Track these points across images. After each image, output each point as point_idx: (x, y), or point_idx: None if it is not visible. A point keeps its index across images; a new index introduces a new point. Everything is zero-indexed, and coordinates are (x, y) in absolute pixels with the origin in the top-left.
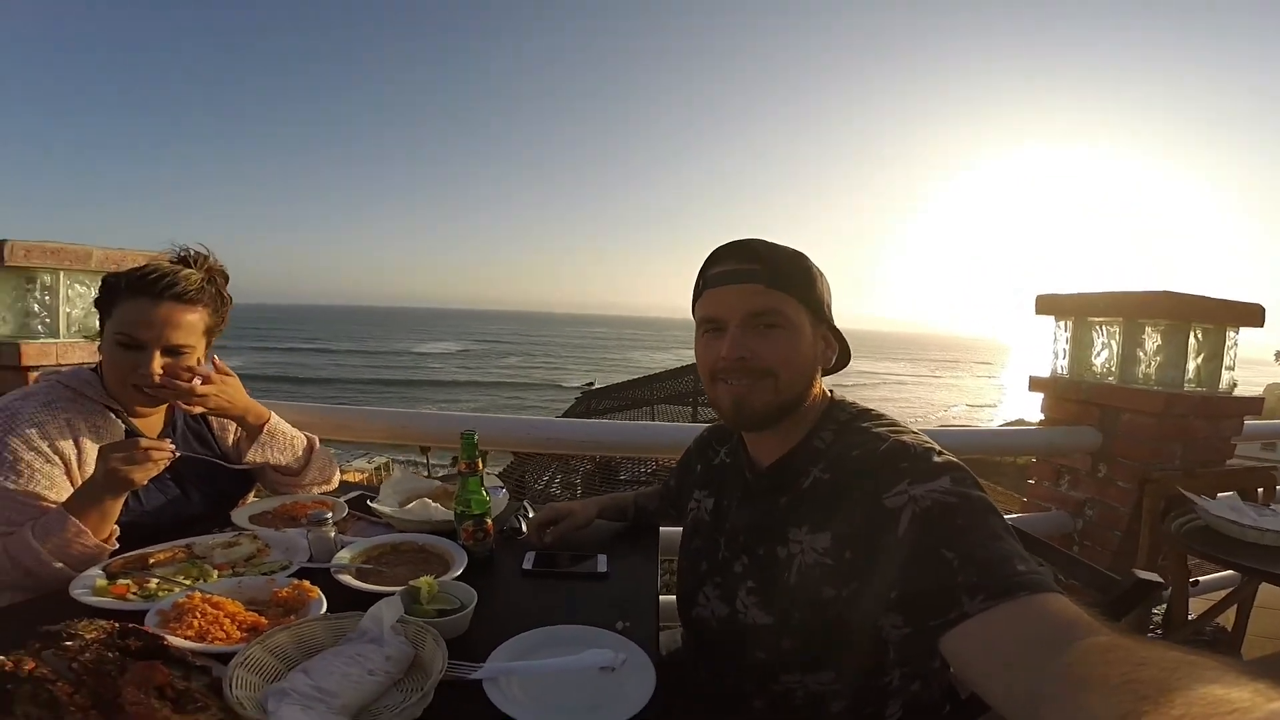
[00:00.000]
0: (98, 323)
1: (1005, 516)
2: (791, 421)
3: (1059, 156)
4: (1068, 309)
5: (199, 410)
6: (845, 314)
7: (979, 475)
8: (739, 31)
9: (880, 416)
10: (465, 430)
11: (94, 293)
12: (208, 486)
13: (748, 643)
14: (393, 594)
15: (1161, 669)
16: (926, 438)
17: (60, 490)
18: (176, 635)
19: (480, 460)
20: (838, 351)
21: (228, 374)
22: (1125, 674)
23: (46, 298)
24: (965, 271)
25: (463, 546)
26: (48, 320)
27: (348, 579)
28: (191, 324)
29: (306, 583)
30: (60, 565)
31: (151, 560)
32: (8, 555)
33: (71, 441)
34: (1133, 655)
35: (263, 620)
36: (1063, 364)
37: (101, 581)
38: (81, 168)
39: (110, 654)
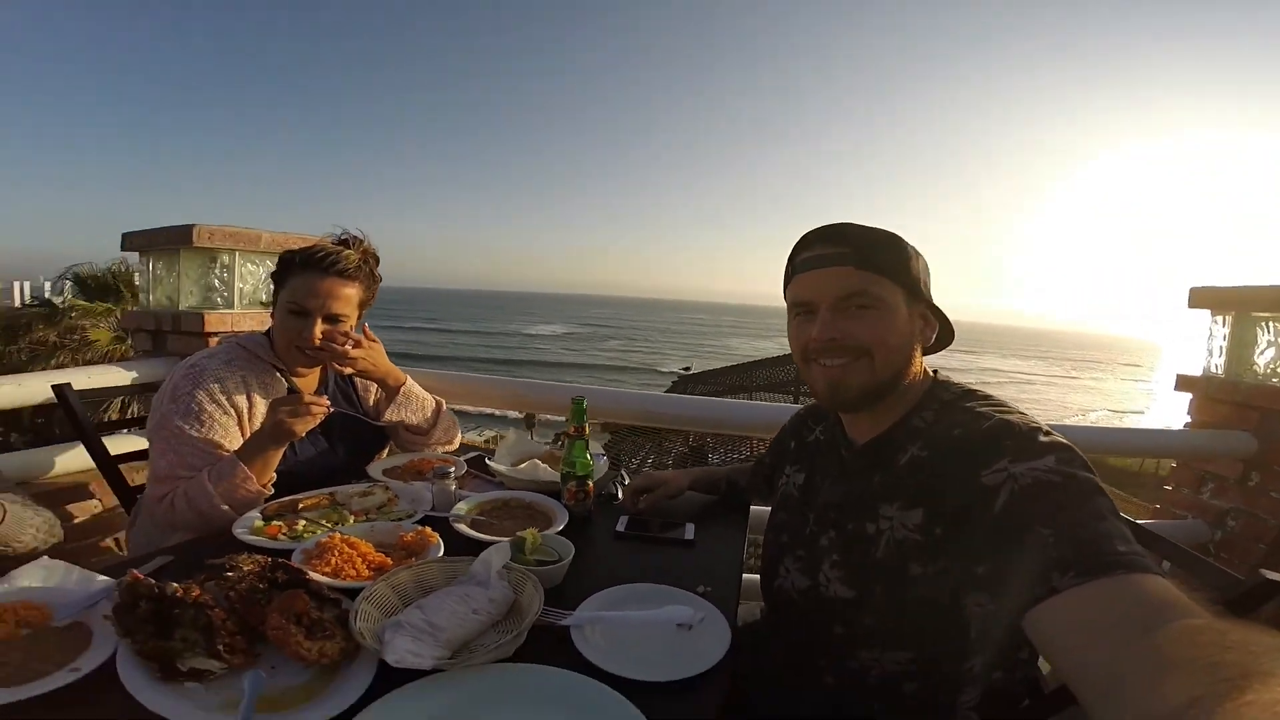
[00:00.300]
0: (271, 293)
1: (1137, 523)
2: (890, 401)
3: (1225, 140)
4: (1228, 303)
5: (349, 371)
6: (970, 306)
7: (1116, 486)
8: (868, 4)
9: (987, 397)
10: (576, 396)
11: (263, 270)
12: (350, 442)
13: (827, 616)
14: (501, 543)
15: (1249, 653)
16: (1035, 419)
17: (233, 440)
18: (316, 571)
19: (587, 426)
20: (938, 329)
21: (374, 341)
22: (1211, 657)
23: (225, 274)
24: (1113, 265)
25: (564, 506)
26: (225, 294)
27: (463, 528)
28: (349, 297)
29: (428, 529)
30: (226, 508)
31: (300, 505)
32: (186, 498)
33: (245, 396)
34: (1223, 638)
35: (388, 561)
36: (1218, 362)
37: (258, 523)
38: (239, 153)
39: (261, 585)
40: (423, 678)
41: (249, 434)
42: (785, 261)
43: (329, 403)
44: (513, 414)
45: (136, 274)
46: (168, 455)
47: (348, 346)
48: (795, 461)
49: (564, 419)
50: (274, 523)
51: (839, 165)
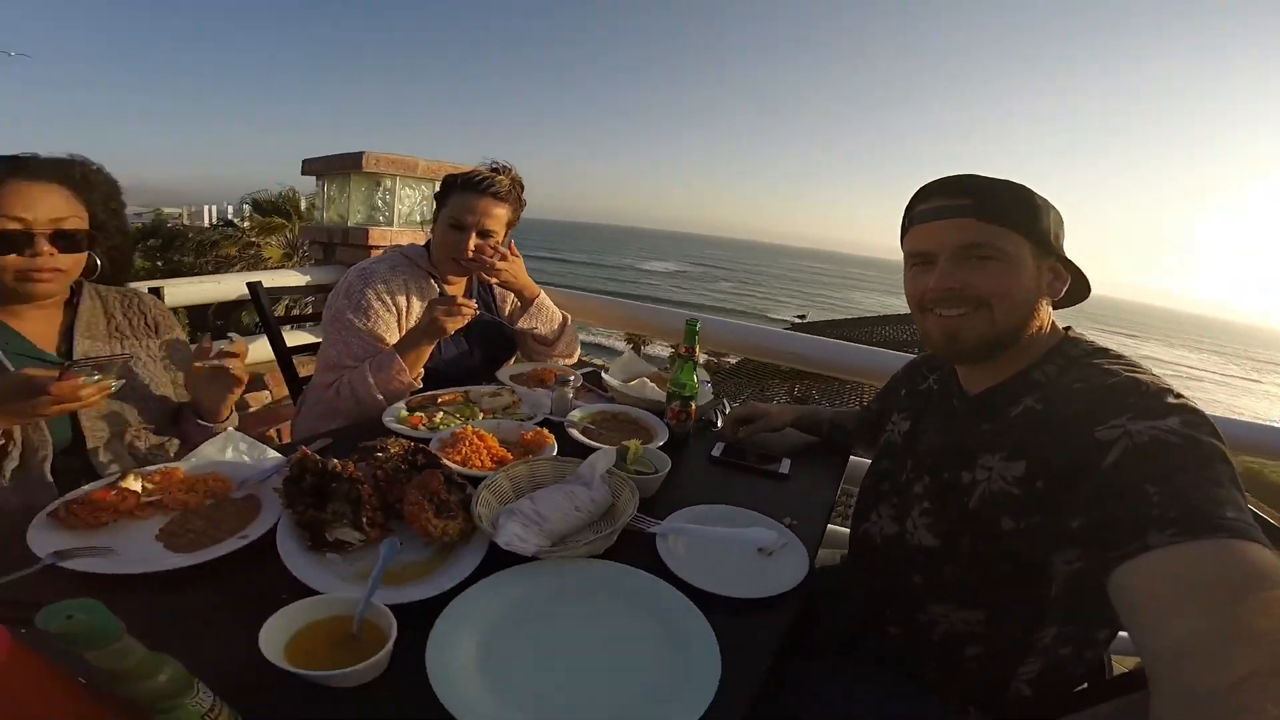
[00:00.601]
0: (425, 214)
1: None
2: (1012, 353)
3: None
4: None
5: (494, 280)
6: (1133, 286)
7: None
8: None
9: (1119, 356)
10: (690, 319)
11: (418, 194)
12: (484, 348)
13: (908, 564)
14: (606, 449)
15: None
16: (1168, 382)
17: (392, 335)
18: (448, 459)
19: (697, 348)
20: (1069, 283)
21: (516, 256)
22: None
23: (387, 196)
24: None
25: (666, 424)
26: (386, 213)
27: (575, 433)
28: (499, 216)
29: (545, 430)
30: (381, 397)
31: (439, 400)
32: (350, 386)
33: (405, 297)
34: None
35: (509, 455)
36: None
37: (403, 413)
38: (394, 81)
39: (403, 466)
40: (523, 563)
41: (405, 331)
42: (903, 214)
43: (476, 305)
44: (620, 345)
45: (303, 199)
46: (338, 345)
47: (496, 259)
48: (904, 409)
49: (669, 350)
50: (416, 414)
51: (1002, 127)
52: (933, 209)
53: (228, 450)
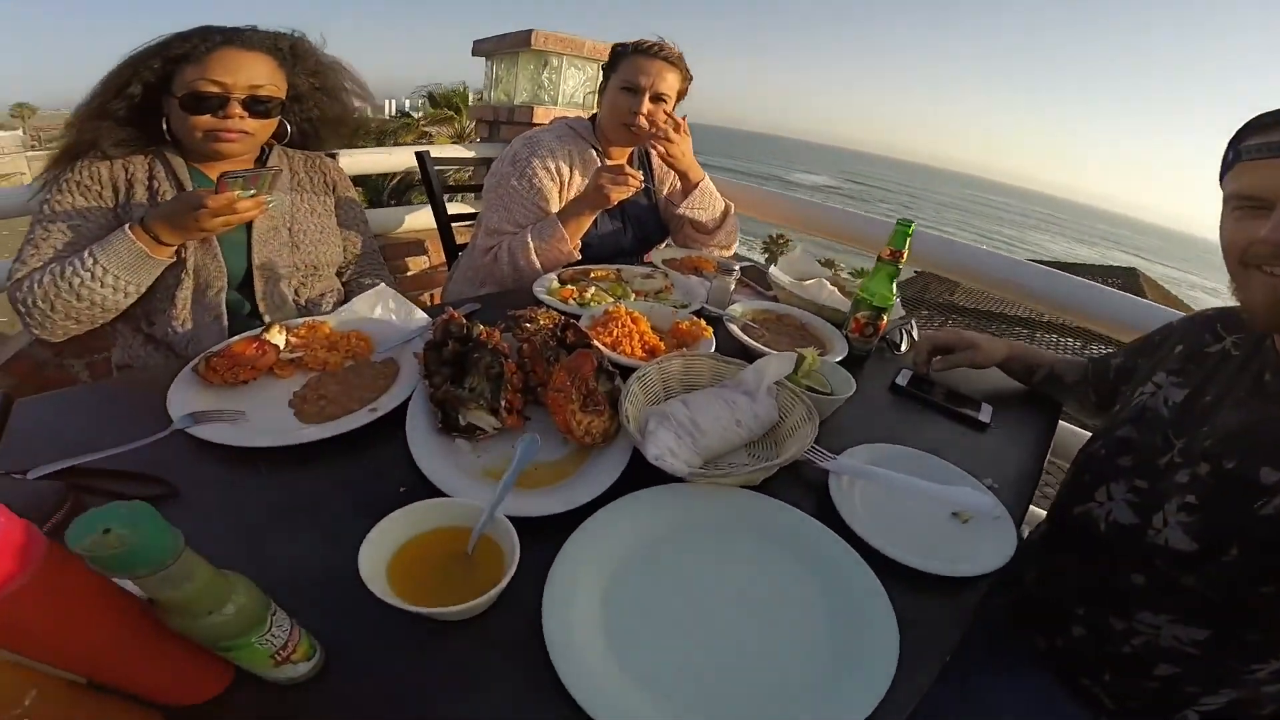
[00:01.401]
0: (597, 88)
1: None
2: None
3: None
4: None
5: (664, 151)
6: None
7: None
8: None
9: None
10: (903, 219)
11: (583, 75)
12: (638, 229)
13: (1136, 562)
14: (780, 355)
15: None
16: None
17: (554, 205)
18: (598, 339)
19: (906, 253)
20: None
21: (686, 134)
22: None
23: (553, 75)
24: None
25: (845, 337)
26: (551, 92)
27: (735, 330)
28: (671, 82)
29: (703, 321)
30: (540, 265)
31: (592, 275)
32: (509, 251)
33: (569, 168)
34: None
35: (660, 345)
36: None
37: (555, 285)
38: None
39: (551, 342)
40: (665, 484)
41: (565, 203)
42: (1226, 147)
43: (642, 176)
44: (754, 259)
45: (470, 94)
46: (500, 210)
47: (669, 126)
48: (1178, 372)
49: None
50: (568, 286)
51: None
52: (1274, 144)
53: (377, 308)
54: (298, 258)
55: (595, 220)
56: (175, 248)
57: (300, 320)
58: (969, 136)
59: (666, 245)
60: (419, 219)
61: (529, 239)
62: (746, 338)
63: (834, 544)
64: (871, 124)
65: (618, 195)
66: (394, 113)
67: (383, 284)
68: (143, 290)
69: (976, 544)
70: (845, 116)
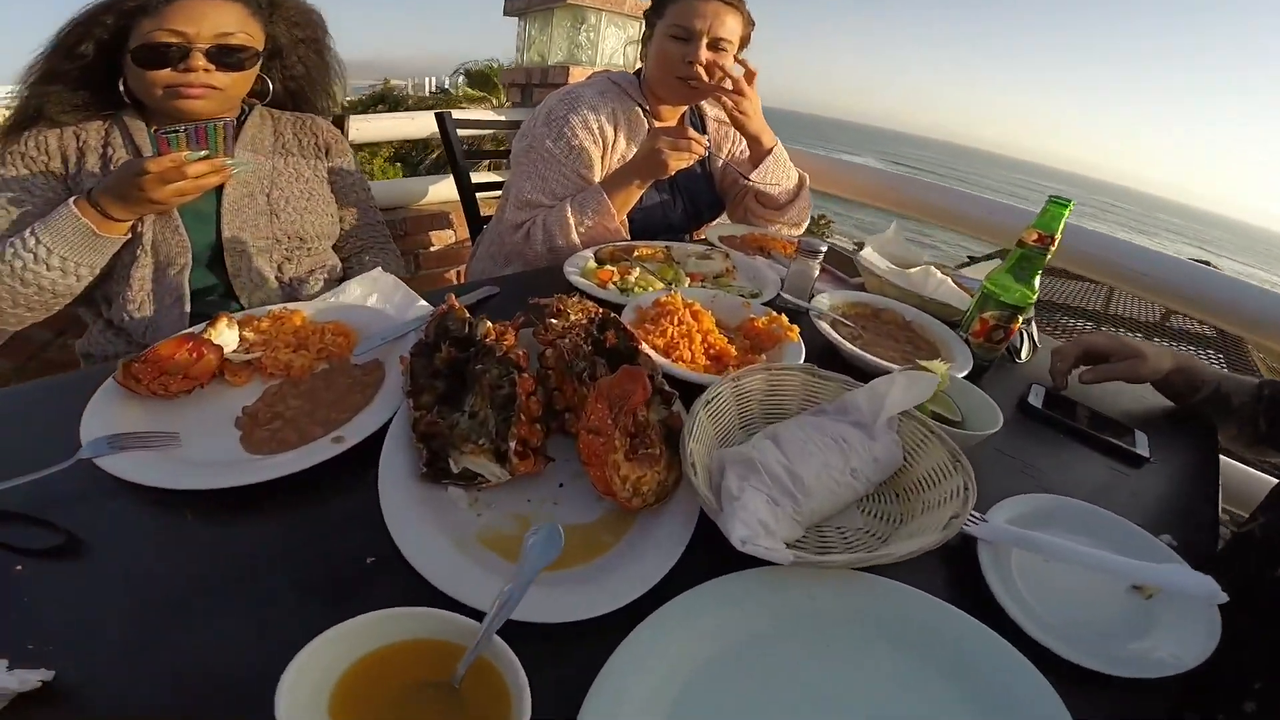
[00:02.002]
0: (640, 39)
1: None
2: None
3: None
4: None
5: (731, 107)
6: None
7: None
8: None
9: None
10: (1058, 197)
11: (624, 34)
12: (689, 201)
13: None
14: (908, 373)
15: None
16: None
17: (596, 171)
18: (648, 340)
19: (1059, 238)
20: None
21: (754, 93)
22: None
23: (590, 34)
24: None
25: (965, 341)
26: (589, 51)
27: (826, 329)
28: (733, 26)
29: (785, 318)
30: (580, 246)
31: (636, 253)
32: (544, 227)
33: (612, 127)
34: None
35: (729, 350)
36: None
37: (590, 264)
38: None
39: (585, 346)
40: (751, 566)
41: (607, 170)
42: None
43: (707, 143)
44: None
45: (501, 73)
46: (533, 179)
47: (728, 82)
48: None
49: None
50: (607, 267)
51: None
52: None
53: (372, 295)
54: (277, 227)
55: None
56: (129, 223)
57: (265, 309)
58: (1024, 121)
59: (719, 222)
60: (444, 189)
61: (569, 213)
62: (841, 339)
63: (1001, 654)
64: (915, 104)
65: (677, 163)
66: (433, 89)
67: (378, 268)
68: (97, 271)
69: (1166, 627)
70: (884, 95)
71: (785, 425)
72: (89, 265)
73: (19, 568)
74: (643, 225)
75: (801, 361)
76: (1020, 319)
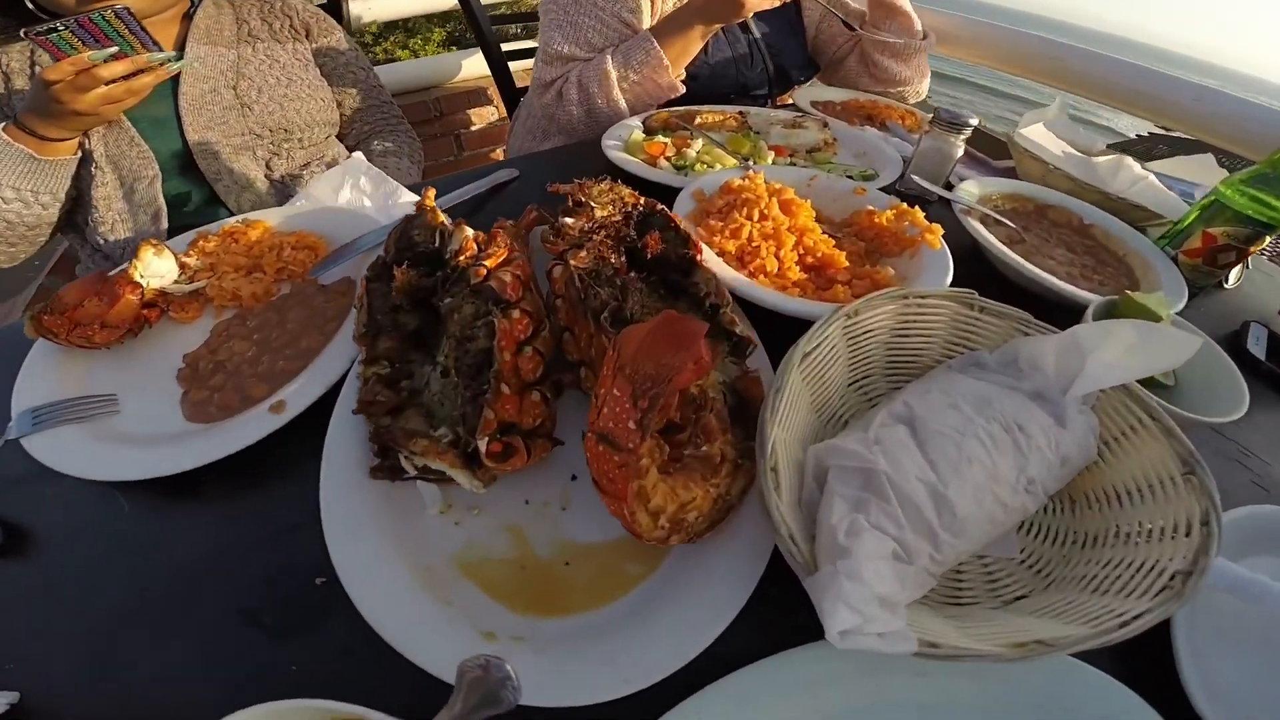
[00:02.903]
0: None
1: None
2: None
3: None
4: None
5: None
6: None
7: None
8: None
9: None
10: None
11: None
12: (774, 56)
13: None
14: (1130, 325)
15: None
16: None
17: (644, 15)
18: (713, 244)
19: None
20: None
21: None
22: None
23: None
24: None
25: (1175, 262)
26: None
27: (977, 227)
28: None
29: (918, 212)
30: (623, 105)
31: (698, 120)
32: (579, 85)
33: None
34: None
35: (837, 257)
36: None
37: (638, 135)
38: None
39: (613, 259)
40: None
41: (661, 11)
42: None
43: None
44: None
45: None
46: (563, 27)
47: None
48: None
49: None
50: (659, 139)
51: None
52: None
53: (343, 189)
54: (253, 120)
55: (709, 43)
56: (73, 141)
57: (217, 225)
58: None
59: (811, 84)
60: (478, 63)
61: (609, 65)
62: (997, 243)
63: None
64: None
65: (756, 2)
66: None
67: (357, 155)
68: (61, 197)
69: None
70: None
71: (925, 394)
72: (48, 191)
73: None
74: (709, 87)
75: (949, 276)
76: (1267, 240)
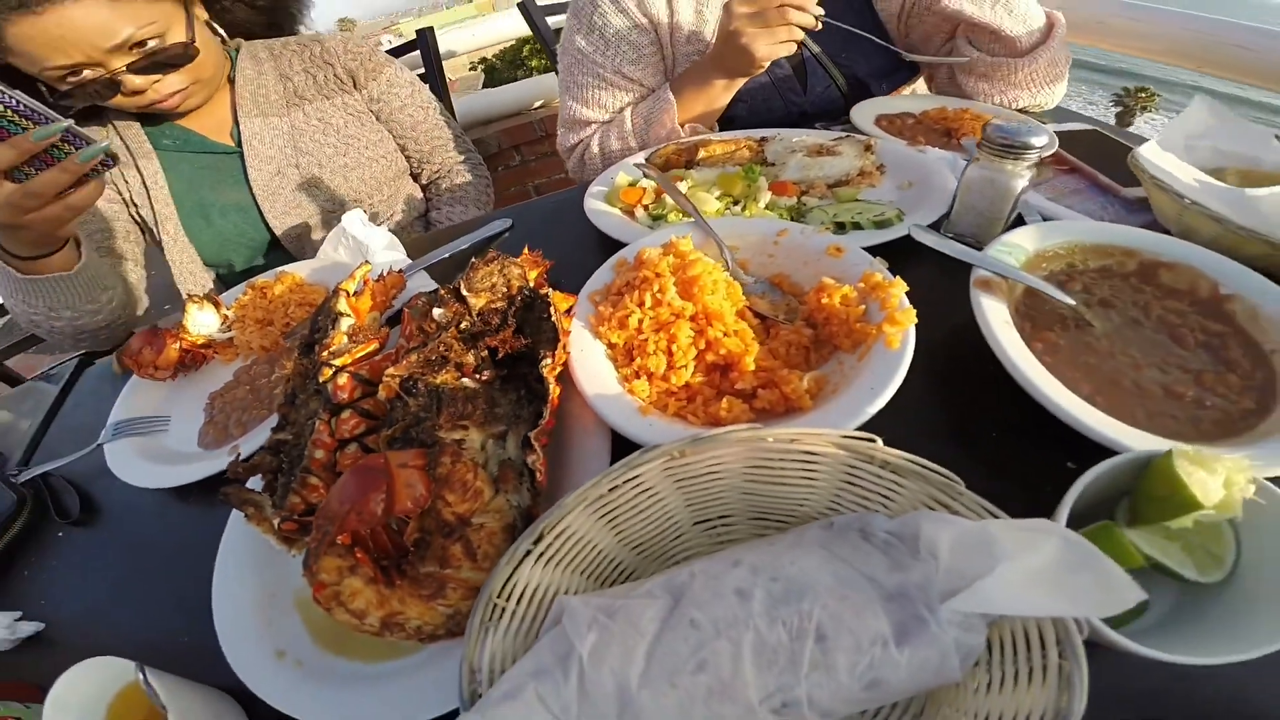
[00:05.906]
0: None
1: None
2: None
3: None
4: None
5: None
6: None
7: None
8: None
9: None
10: None
11: None
12: (838, 71)
13: None
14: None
15: None
16: None
17: (647, 66)
18: (601, 335)
19: None
20: None
21: None
22: None
23: None
24: None
25: None
26: None
27: (988, 306)
28: None
29: (893, 286)
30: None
31: (703, 153)
32: (600, 149)
33: (664, 1)
34: None
35: (744, 358)
36: None
37: (622, 178)
38: None
39: (469, 355)
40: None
41: (671, 57)
42: None
43: (819, 11)
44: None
45: None
46: (570, 90)
47: None
48: None
49: None
50: (641, 183)
51: None
52: None
53: (340, 247)
54: (323, 200)
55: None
56: (53, 255)
57: (265, 276)
58: None
59: (911, 93)
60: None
61: (628, 124)
62: (1007, 343)
63: None
64: None
65: (770, 49)
66: None
67: (353, 213)
68: (76, 306)
69: None
70: None
71: (732, 565)
72: (47, 302)
73: (60, 534)
74: (760, 119)
75: (889, 392)
76: None
